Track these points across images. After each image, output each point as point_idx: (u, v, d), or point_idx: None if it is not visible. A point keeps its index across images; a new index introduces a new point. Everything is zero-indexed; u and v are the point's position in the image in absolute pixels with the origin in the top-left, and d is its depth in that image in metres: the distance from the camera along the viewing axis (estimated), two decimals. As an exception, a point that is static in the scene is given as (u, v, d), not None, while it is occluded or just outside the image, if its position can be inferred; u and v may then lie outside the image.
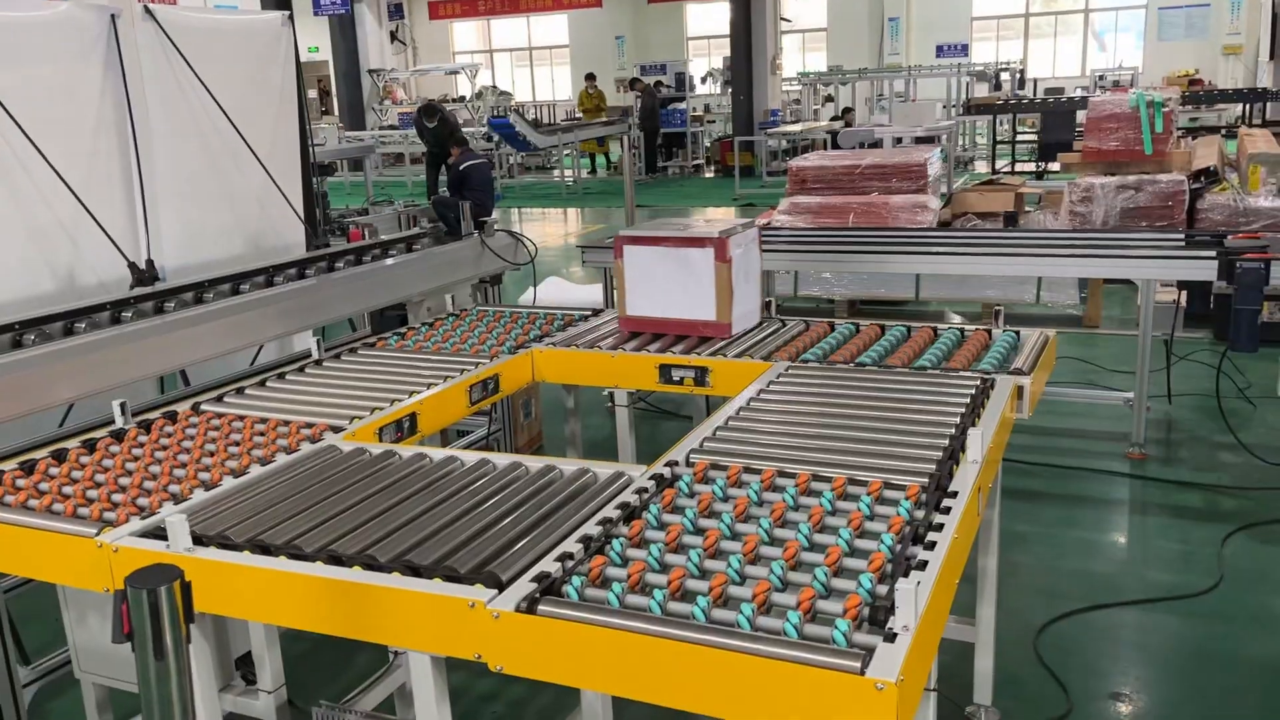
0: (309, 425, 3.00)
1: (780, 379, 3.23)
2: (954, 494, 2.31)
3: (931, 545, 2.07)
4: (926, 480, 2.38)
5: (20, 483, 2.66)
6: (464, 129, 21.11)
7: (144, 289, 4.13)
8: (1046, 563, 4.21)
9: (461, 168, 12.32)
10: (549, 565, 2.05)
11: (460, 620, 1.93)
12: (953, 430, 2.68)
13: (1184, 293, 5.37)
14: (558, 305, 6.70)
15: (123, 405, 3.09)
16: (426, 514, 2.33)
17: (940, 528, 2.15)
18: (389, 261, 4.43)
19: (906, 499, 2.30)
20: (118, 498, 2.55)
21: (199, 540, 2.24)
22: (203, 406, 3.26)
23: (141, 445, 2.92)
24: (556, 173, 20.61)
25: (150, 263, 4.38)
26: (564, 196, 18.30)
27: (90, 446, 2.91)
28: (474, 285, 4.86)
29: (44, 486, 2.64)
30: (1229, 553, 4.20)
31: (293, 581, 2.09)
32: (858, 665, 1.67)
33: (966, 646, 3.12)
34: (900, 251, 5.78)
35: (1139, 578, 4.07)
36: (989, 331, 3.73)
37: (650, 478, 2.48)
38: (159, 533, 2.28)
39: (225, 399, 3.35)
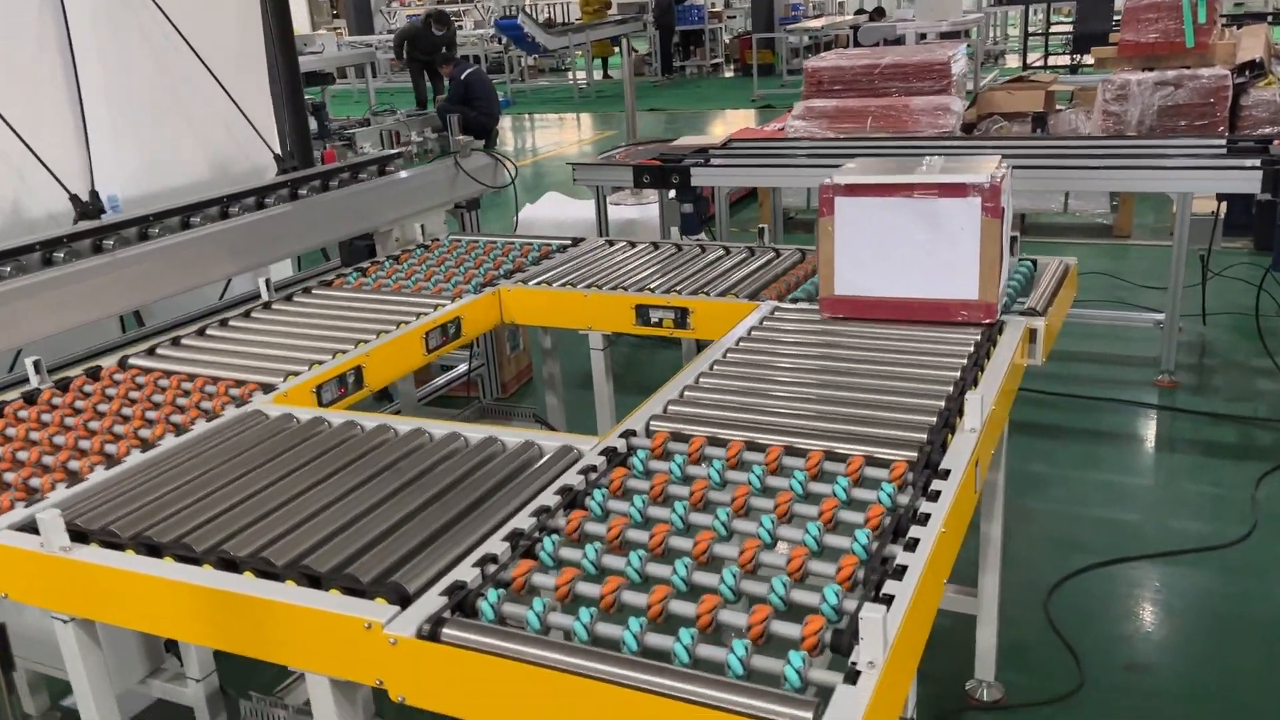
0: (239, 384, 2.71)
1: (764, 323, 2.90)
2: (946, 473, 2.00)
3: (913, 545, 1.76)
4: (915, 455, 2.06)
5: (-91, 458, 2.40)
6: (475, 30, 20.43)
7: (85, 224, 3.82)
8: (1064, 509, 3.90)
9: (463, 77, 11.83)
10: (466, 571, 1.76)
11: (357, 643, 1.65)
12: (950, 387, 2.35)
13: (1223, 203, 4.92)
14: (551, 223, 6.34)
15: (36, 363, 2.81)
16: (342, 500, 2.05)
17: (926, 519, 1.84)
18: (353, 189, 4.09)
19: (890, 481, 1.99)
20: (10, 476, 2.29)
21: (81, 535, 1.98)
22: (130, 361, 2.98)
23: (54, 409, 2.64)
24: (570, 74, 19.93)
25: (95, 194, 4.07)
26: (576, 101, 17.69)
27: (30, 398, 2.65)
28: (450, 211, 4.51)
29: (-65, 463, 2.38)
30: (1264, 496, 3.86)
31: (176, 591, 1.82)
32: (808, 716, 1.38)
33: (967, 616, 2.84)
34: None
35: (1165, 526, 3.76)
36: (1003, 261, 3.35)
37: (601, 452, 2.18)
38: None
39: (158, 351, 3.07)
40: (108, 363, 2.96)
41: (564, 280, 3.46)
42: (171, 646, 2.70)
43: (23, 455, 2.39)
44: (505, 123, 14.81)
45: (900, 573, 1.69)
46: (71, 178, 4.15)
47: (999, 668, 2.88)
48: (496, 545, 1.84)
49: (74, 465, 2.33)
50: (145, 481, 2.18)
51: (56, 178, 3.94)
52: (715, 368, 2.61)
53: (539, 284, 3.45)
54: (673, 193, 5.74)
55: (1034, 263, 3.32)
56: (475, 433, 2.33)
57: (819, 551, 1.81)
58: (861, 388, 2.40)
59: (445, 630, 1.61)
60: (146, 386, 2.75)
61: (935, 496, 1.92)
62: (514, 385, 5.11)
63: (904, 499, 1.93)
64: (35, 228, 4.14)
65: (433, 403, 4.60)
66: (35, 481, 2.27)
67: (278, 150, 4.97)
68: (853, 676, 1.45)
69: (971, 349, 2.56)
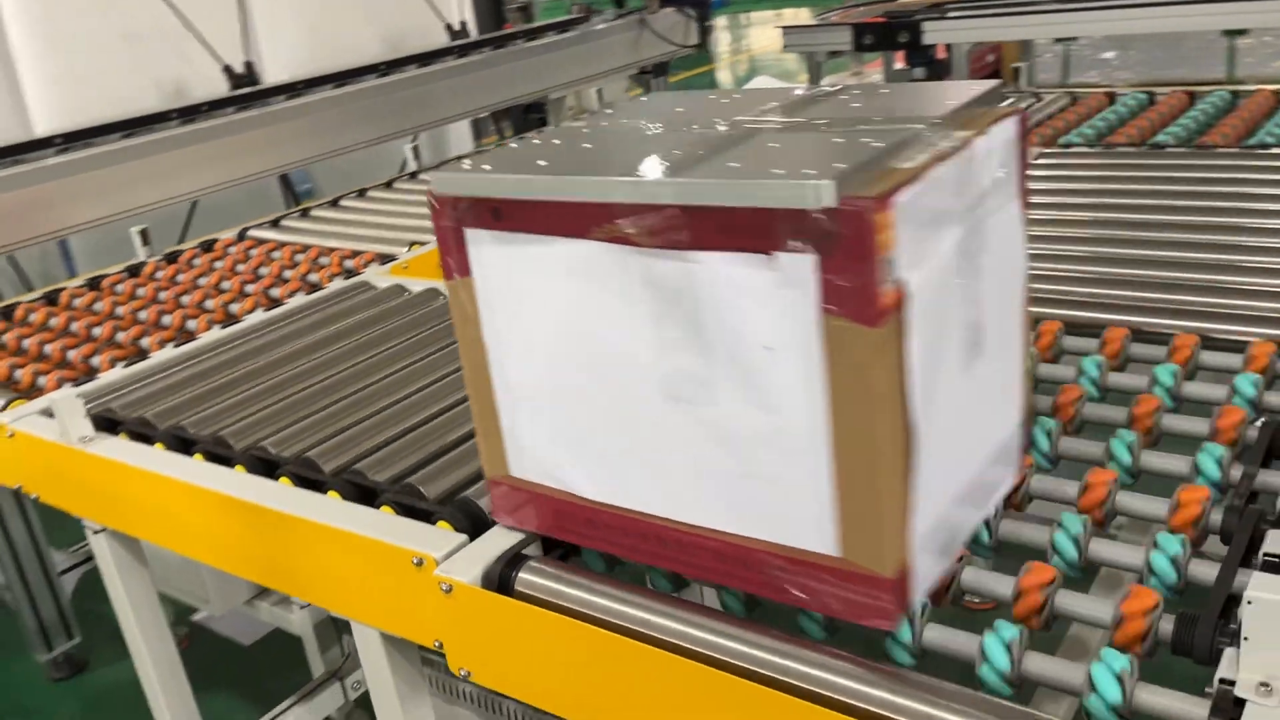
0: (355, 255, 2.24)
1: (1026, 172, 2.13)
2: (1346, 362, 1.24)
3: (1311, 474, 1.03)
4: (1287, 335, 1.31)
5: (-12, 334, 2.07)
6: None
7: (233, 93, 3.48)
8: None
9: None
10: (572, 489, 1.18)
11: (406, 587, 1.11)
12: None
13: None
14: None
15: (143, 233, 2.44)
16: (429, 388, 1.51)
17: (1325, 434, 1.10)
18: (516, 49, 3.55)
19: (1250, 370, 1.25)
20: (72, 354, 1.90)
21: (113, 424, 1.54)
22: (250, 233, 2.57)
23: (152, 282, 2.26)
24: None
25: (250, 65, 3.71)
26: (798, -3, 16.53)
27: (94, 284, 2.29)
28: (634, 77, 3.90)
29: (12, 338, 2.03)
30: None
31: (192, 498, 1.34)
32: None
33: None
34: None
35: None
36: (1370, 91, 2.42)
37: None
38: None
39: (283, 223, 2.65)
40: (223, 236, 2.56)
41: (760, 138, 2.79)
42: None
43: (97, 331, 2.00)
44: (719, 22, 14.00)
45: (1288, 520, 0.97)
46: (230, 53, 3.83)
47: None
48: (623, 452, 1.24)
49: (145, 342, 1.92)
50: (206, 363, 1.72)
51: (210, 48, 3.61)
52: (955, 225, 1.89)
53: (728, 142, 2.79)
54: (900, 60, 4.89)
55: None
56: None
57: (1132, 478, 1.11)
58: (1175, 250, 1.63)
59: (523, 575, 1.04)
60: (255, 258, 2.33)
61: (1335, 396, 1.17)
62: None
63: (1277, 398, 1.19)
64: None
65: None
66: (96, 360, 1.86)
67: (452, 21, 4.50)
68: (1229, 708, 0.77)
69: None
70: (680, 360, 0.89)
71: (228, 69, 3.64)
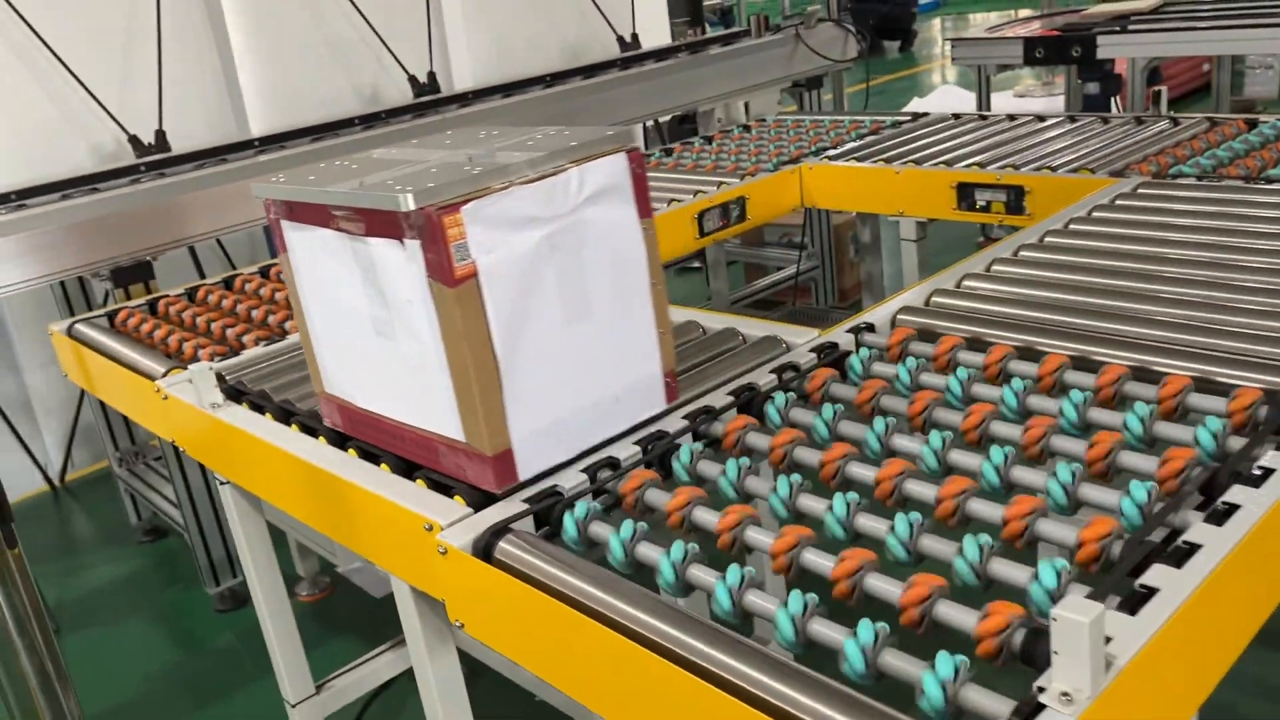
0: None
1: (1116, 203, 2.15)
2: (1325, 414, 1.25)
3: (1221, 517, 1.08)
4: None
5: (173, 310, 2.45)
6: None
7: (423, 98, 3.85)
8: None
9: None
10: (570, 476, 1.36)
11: (420, 547, 1.33)
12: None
13: None
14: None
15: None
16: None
17: (1260, 480, 1.14)
18: (666, 64, 3.73)
19: (1224, 416, 1.28)
20: (230, 332, 2.23)
21: (240, 394, 1.83)
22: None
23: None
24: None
25: (432, 75, 4.07)
26: (1021, -3, 15.93)
27: (264, 272, 2.64)
28: (787, 90, 4.01)
29: (189, 315, 2.40)
30: None
31: (283, 461, 1.61)
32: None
33: None
34: None
35: None
36: None
37: (815, 348, 1.65)
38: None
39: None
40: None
41: (880, 156, 2.86)
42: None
43: (255, 313, 2.34)
44: (934, 24, 13.73)
45: (1185, 555, 1.03)
46: (422, 62, 4.20)
47: None
48: (626, 449, 1.42)
49: (287, 326, 2.23)
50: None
51: (396, 57, 3.99)
52: (1022, 253, 1.95)
53: (848, 160, 2.88)
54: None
55: None
56: (676, 314, 1.89)
57: (1065, 506, 1.18)
58: (1237, 290, 1.64)
59: (502, 545, 1.23)
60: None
61: (1292, 446, 1.20)
62: (855, 294, 4.53)
63: (1236, 443, 1.23)
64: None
65: (753, 305, 4.17)
66: (246, 338, 2.19)
67: (624, 34, 4.73)
68: (1028, 712, 0.87)
69: None
70: (377, 310, 1.36)
71: (412, 78, 4.01)
